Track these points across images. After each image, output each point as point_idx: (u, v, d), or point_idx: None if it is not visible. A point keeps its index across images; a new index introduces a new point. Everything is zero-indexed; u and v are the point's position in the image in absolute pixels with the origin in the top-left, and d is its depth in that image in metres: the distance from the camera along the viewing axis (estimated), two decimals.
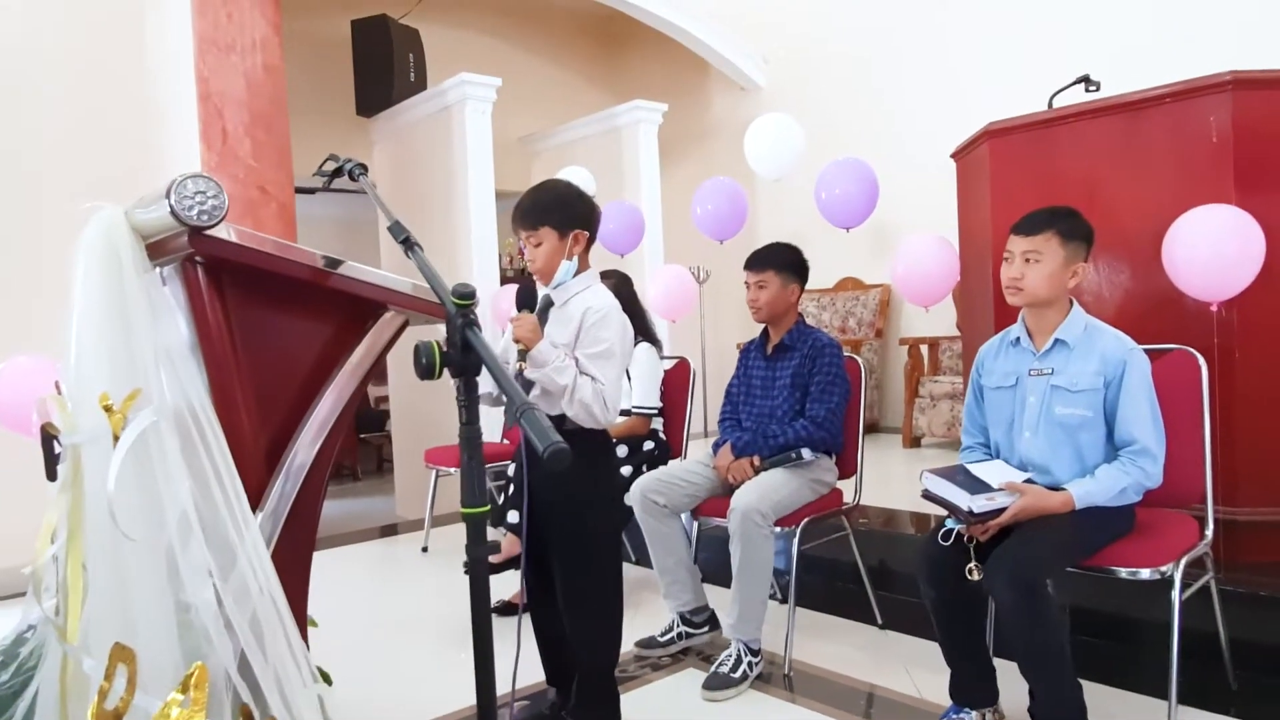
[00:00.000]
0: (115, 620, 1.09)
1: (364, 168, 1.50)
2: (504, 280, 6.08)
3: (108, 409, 1.11)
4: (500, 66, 6.15)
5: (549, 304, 2.16)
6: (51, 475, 1.31)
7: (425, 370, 1.12)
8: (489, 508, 1.09)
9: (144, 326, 1.14)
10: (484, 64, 6.05)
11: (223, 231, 1.20)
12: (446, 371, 1.11)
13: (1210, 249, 2.49)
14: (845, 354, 2.96)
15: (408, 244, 1.26)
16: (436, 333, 1.19)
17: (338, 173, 1.49)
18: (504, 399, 2.02)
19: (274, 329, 1.31)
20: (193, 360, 1.23)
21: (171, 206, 1.12)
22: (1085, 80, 3.32)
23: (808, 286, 3.02)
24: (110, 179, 4.33)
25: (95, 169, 4.28)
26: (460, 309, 1.11)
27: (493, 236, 5.69)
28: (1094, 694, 2.33)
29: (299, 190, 5.41)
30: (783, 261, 2.92)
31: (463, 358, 1.10)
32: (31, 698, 1.49)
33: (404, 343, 1.61)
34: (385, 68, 6.04)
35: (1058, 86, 3.41)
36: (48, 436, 1.32)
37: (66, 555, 1.18)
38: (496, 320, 5.37)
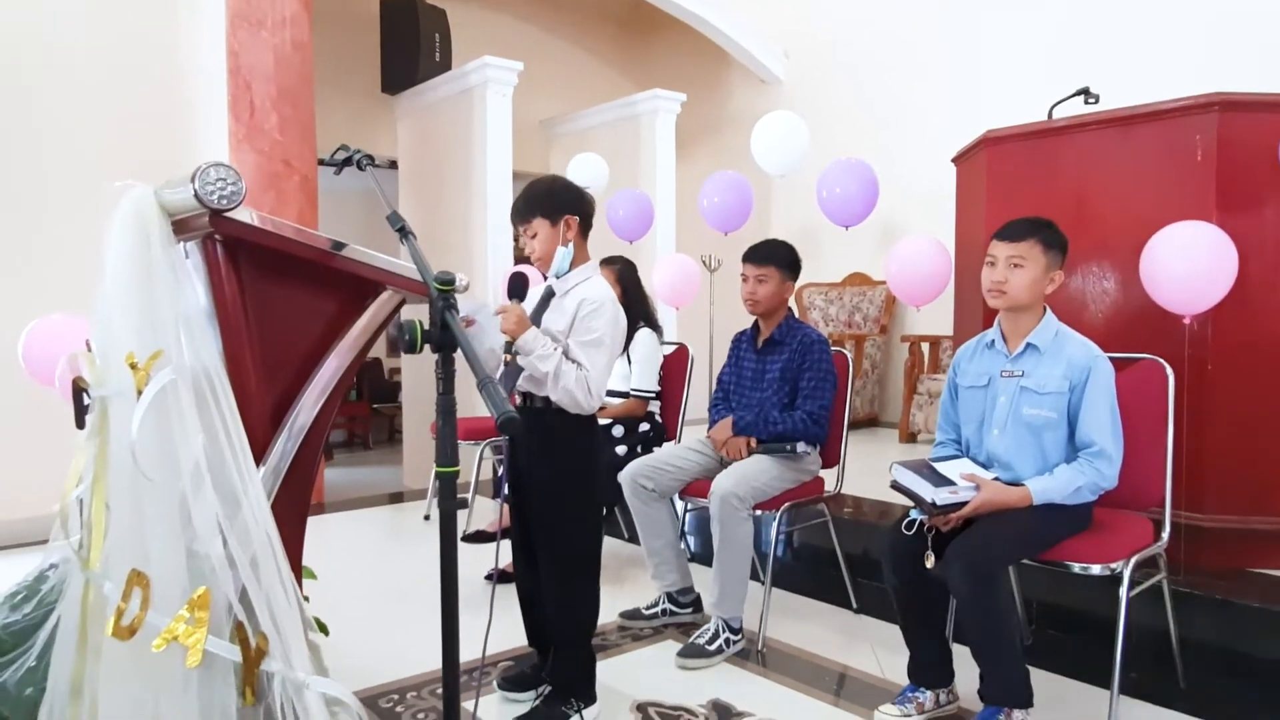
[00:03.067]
0: (133, 550, 1.24)
1: (371, 159, 1.63)
2: (517, 259, 6.22)
3: (133, 367, 1.26)
4: (524, 49, 6.27)
5: (550, 294, 2.31)
6: (80, 424, 1.46)
7: (408, 345, 1.27)
8: (459, 468, 1.23)
9: (167, 294, 1.29)
10: (508, 46, 6.18)
11: (241, 214, 1.35)
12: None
13: (1184, 264, 2.59)
14: (833, 349, 3.07)
15: (403, 232, 1.40)
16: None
17: (347, 162, 1.63)
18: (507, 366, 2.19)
19: (283, 301, 1.46)
20: (209, 326, 1.38)
21: (195, 191, 1.27)
22: (1085, 92, 3.41)
23: (816, 280, 3.14)
24: (140, 148, 4.49)
25: (126, 138, 4.44)
26: (441, 293, 1.26)
27: (508, 216, 5.83)
28: (1045, 681, 2.47)
29: (323, 163, 5.57)
30: (783, 258, 3.03)
31: (441, 336, 1.25)
32: (51, 628, 1.65)
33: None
34: (411, 47, 6.17)
35: (1061, 96, 3.51)
36: (77, 389, 1.47)
37: (92, 495, 1.33)
38: (507, 298, 5.51)
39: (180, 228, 1.40)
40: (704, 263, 6.00)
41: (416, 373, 6.45)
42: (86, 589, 1.30)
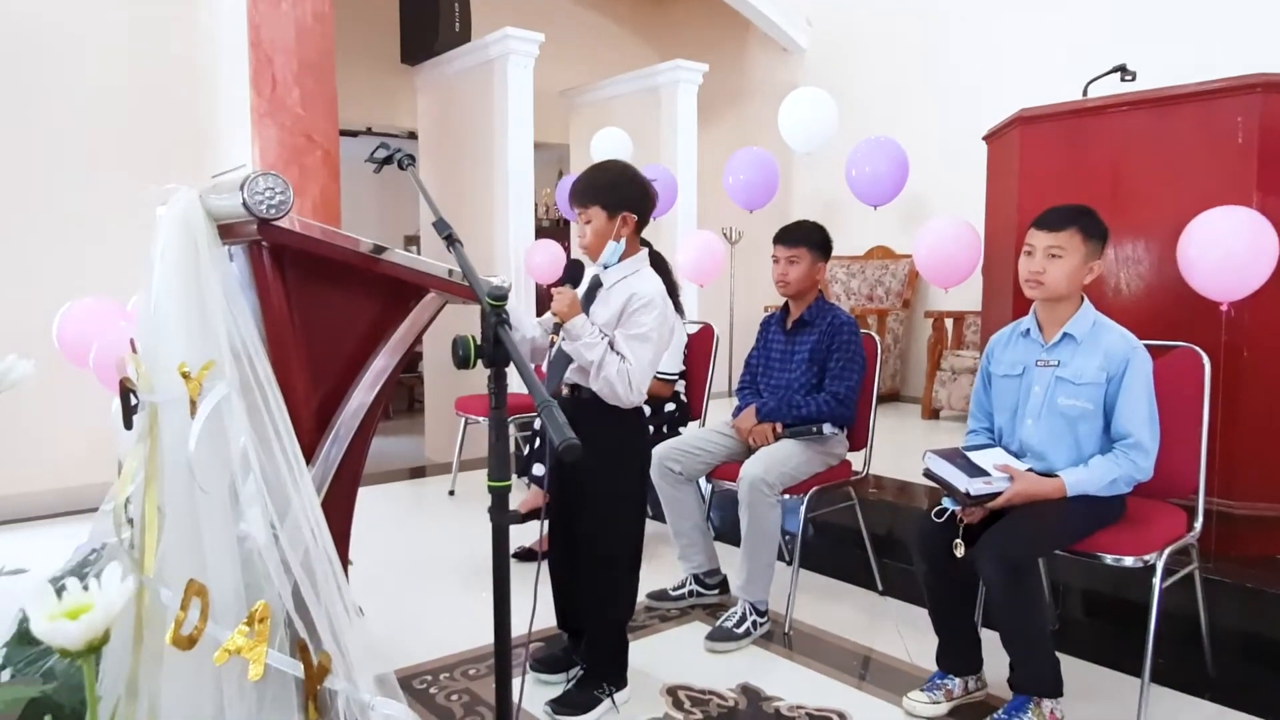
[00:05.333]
0: (189, 559, 1.25)
1: (412, 158, 1.62)
2: (538, 231, 6.20)
3: (185, 376, 1.26)
4: (544, 17, 6.19)
5: (597, 284, 2.29)
6: (128, 424, 1.47)
7: (461, 361, 1.27)
8: (511, 483, 1.24)
9: (217, 302, 1.29)
10: (528, 14, 6.09)
11: (286, 221, 1.34)
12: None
13: (1223, 250, 2.54)
14: (861, 331, 3.05)
15: (450, 240, 1.39)
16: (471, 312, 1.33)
17: (388, 160, 1.62)
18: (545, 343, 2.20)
19: (328, 305, 1.46)
20: (256, 331, 1.38)
21: (244, 200, 1.27)
22: (1121, 70, 3.35)
23: (838, 253, 3.11)
24: (164, 125, 4.49)
25: (149, 115, 4.44)
26: (494, 308, 1.26)
27: (529, 188, 5.80)
28: (1073, 667, 2.48)
29: (343, 133, 5.54)
30: (815, 240, 3.01)
31: (494, 351, 1.25)
32: None
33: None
34: (430, 17, 6.11)
35: (1096, 74, 3.44)
36: (125, 390, 1.47)
37: (144, 498, 1.34)
38: (529, 272, 5.50)
39: (226, 232, 1.40)
40: (725, 235, 5.95)
41: (437, 344, 6.45)
42: (140, 591, 1.32)
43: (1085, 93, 3.36)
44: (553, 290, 2.15)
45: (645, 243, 3.69)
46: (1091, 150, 3.06)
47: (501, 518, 1.21)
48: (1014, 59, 5.59)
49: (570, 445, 1.04)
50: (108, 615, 0.71)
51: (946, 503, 2.29)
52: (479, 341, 1.27)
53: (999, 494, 2.21)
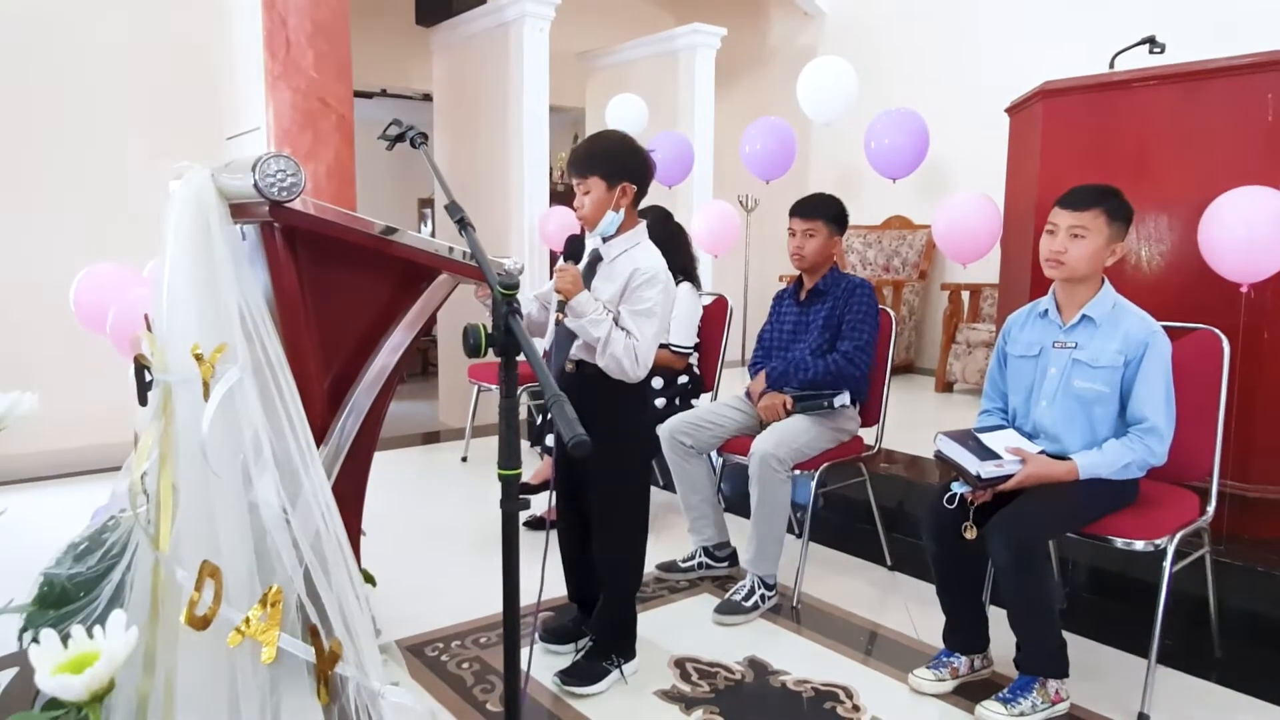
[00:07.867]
0: (203, 540, 1.27)
1: (425, 136, 1.61)
2: (553, 195, 6.15)
3: (198, 357, 1.27)
4: None
5: (597, 258, 2.27)
6: (142, 401, 1.48)
7: (472, 349, 1.27)
8: (520, 471, 1.24)
9: (230, 283, 1.29)
10: None
11: (299, 203, 1.34)
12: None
13: (1245, 231, 2.50)
14: (879, 306, 3.02)
15: (462, 224, 1.38)
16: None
17: (400, 138, 1.61)
18: (547, 318, 2.19)
19: (340, 286, 1.46)
20: (268, 312, 1.38)
21: (256, 182, 1.26)
22: (1150, 41, 3.27)
23: (854, 222, 3.07)
24: (178, 88, 4.47)
25: (162, 77, 4.42)
26: (505, 297, 1.25)
27: (544, 151, 5.75)
28: (1081, 646, 2.49)
29: (357, 94, 5.49)
30: (831, 213, 2.98)
31: (505, 340, 1.25)
32: (117, 581, 1.70)
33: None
34: None
35: (1124, 45, 3.36)
36: (139, 366, 1.48)
37: (159, 475, 1.36)
38: (544, 239, 5.47)
39: (238, 211, 1.40)
40: (740, 202, 5.89)
41: (451, 310, 6.45)
42: (156, 568, 1.34)
43: (1112, 65, 3.29)
44: (555, 269, 2.14)
45: (668, 215, 3.70)
46: (1116, 125, 3.00)
47: (511, 506, 1.22)
48: (1039, 28, 5.47)
49: (580, 442, 1.05)
50: (112, 666, 0.71)
51: (955, 487, 2.28)
52: (489, 330, 1.27)
53: (1010, 476, 2.20)
